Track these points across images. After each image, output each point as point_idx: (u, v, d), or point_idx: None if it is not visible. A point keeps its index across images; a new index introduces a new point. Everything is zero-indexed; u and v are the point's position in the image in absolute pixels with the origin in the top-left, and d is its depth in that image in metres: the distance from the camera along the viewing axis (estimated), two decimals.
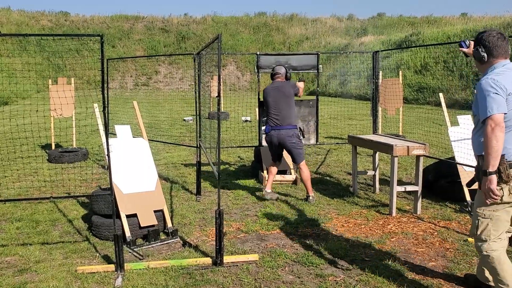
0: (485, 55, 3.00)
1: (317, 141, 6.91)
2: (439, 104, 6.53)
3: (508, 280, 3.00)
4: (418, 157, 5.21)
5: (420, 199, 5.27)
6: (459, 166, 5.40)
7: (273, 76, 6.09)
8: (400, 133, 10.17)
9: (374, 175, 6.22)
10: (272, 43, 38.92)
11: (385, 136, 6.22)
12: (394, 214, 5.19)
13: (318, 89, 7.59)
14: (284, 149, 5.98)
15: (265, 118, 6.13)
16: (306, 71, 6.88)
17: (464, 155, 5.39)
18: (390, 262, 3.90)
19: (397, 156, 5.12)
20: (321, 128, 12.37)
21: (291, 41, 39.50)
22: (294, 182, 6.69)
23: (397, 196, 5.48)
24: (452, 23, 35.09)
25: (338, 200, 5.85)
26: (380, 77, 10.44)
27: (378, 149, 5.65)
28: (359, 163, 7.85)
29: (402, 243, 4.38)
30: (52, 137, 8.94)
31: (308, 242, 4.40)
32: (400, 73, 10.38)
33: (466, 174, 5.32)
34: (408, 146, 5.12)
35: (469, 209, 5.17)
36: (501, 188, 2.90)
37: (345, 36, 40.41)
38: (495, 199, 2.86)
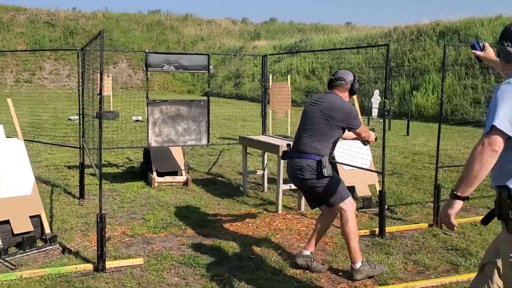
0: None
1: (208, 142, 6.93)
2: None
3: None
4: None
5: (302, 196, 5.52)
6: (338, 165, 5.76)
7: (331, 82, 3.88)
8: (289, 134, 10.58)
9: (263, 175, 6.40)
10: (166, 42, 38.33)
11: (274, 137, 6.42)
12: (280, 211, 5.38)
13: (209, 89, 7.62)
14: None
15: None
16: (197, 71, 6.87)
17: (342, 155, 5.76)
18: (274, 258, 4.03)
19: None
20: (215, 129, 12.49)
21: (186, 41, 39.23)
22: (185, 183, 6.64)
23: (283, 194, 5.69)
24: (338, 31, 37.46)
25: (228, 200, 5.92)
26: (270, 80, 10.77)
27: (266, 149, 5.82)
28: (251, 163, 8.03)
29: (286, 239, 4.56)
30: None
31: (196, 243, 4.39)
32: (289, 77, 10.80)
33: (344, 173, 5.68)
34: None
35: None
36: None
37: (239, 39, 41.17)
38: (453, 229, 2.25)
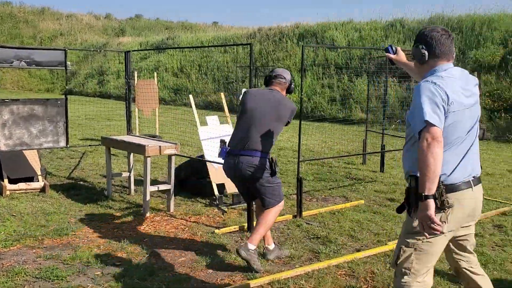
0: (426, 53, 2.45)
1: (67, 144, 6.43)
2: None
3: None
4: (170, 156, 5.35)
5: (173, 197, 5.43)
6: (208, 164, 5.76)
7: (270, 79, 4.00)
8: (157, 134, 10.35)
9: (129, 177, 6.14)
10: (20, 36, 34.99)
11: (140, 136, 6.20)
12: (148, 214, 5.21)
13: (67, 87, 7.10)
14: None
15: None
16: (53, 67, 6.35)
17: (213, 153, 5.78)
18: (142, 263, 3.89)
19: (149, 156, 5.15)
20: (76, 129, 11.67)
21: (43, 36, 36.26)
22: (42, 189, 6.08)
23: (151, 196, 5.53)
24: (205, 30, 37.72)
25: (91, 205, 5.57)
26: (136, 77, 10.42)
27: (131, 150, 5.59)
28: (116, 165, 7.66)
29: (154, 242, 4.42)
30: None
31: (54, 254, 4.04)
32: (155, 74, 10.55)
33: (215, 171, 5.71)
34: (160, 146, 5.20)
35: (217, 202, 5.56)
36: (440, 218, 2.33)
37: (103, 35, 39.21)
38: (437, 229, 2.26)
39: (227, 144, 3.95)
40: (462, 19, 16.06)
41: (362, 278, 3.68)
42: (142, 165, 7.78)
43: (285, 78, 3.99)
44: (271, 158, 3.81)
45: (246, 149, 3.77)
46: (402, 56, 3.00)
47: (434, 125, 2.22)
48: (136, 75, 10.52)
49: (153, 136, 9.81)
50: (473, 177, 2.45)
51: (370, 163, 8.46)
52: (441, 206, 2.29)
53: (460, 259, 2.63)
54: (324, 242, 4.46)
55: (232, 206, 5.58)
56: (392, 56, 2.99)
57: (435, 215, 2.24)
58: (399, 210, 2.53)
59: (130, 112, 6.60)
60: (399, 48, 3.01)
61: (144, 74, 24.74)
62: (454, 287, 3.53)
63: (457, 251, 2.62)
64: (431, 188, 2.23)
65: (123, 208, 5.51)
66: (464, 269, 2.64)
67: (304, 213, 5.27)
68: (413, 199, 2.35)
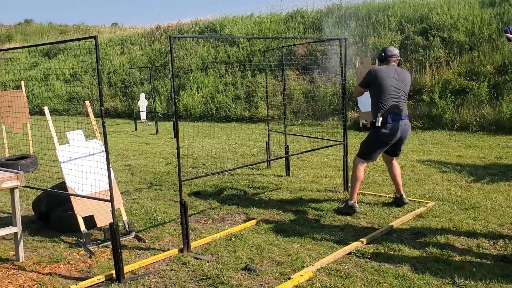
0: None
1: None
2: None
3: None
4: (12, 190, 4.11)
5: (22, 241, 4.18)
6: (71, 192, 4.57)
7: (387, 57, 5.00)
8: (31, 153, 8.83)
9: None
10: None
11: None
12: None
13: None
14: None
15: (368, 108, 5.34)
16: None
17: (74, 179, 4.59)
18: None
19: None
20: None
21: None
22: None
23: (1, 241, 4.25)
24: (103, 32, 35.41)
25: None
26: None
27: None
28: None
29: None
30: None
31: None
32: (22, 83, 8.99)
33: (79, 201, 4.53)
34: None
35: (84, 241, 4.40)
36: None
37: None
38: None
39: (385, 112, 4.83)
40: (358, 7, 15.95)
41: None
42: (1, 197, 6.39)
43: (397, 55, 5.03)
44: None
45: (403, 114, 4.89)
46: None
47: None
48: None
49: (24, 157, 8.33)
50: None
51: (276, 165, 7.68)
52: None
53: None
54: (215, 284, 3.50)
55: (104, 244, 4.44)
56: (510, 35, 3.53)
57: None
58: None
59: None
60: None
61: (33, 84, 22.38)
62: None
63: None
64: None
65: None
66: None
67: (194, 244, 4.28)
68: None
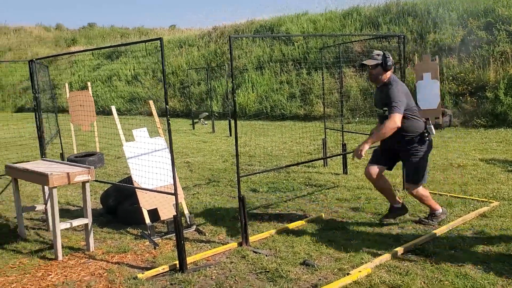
0: None
1: None
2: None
3: None
4: (83, 183, 4.39)
5: (92, 232, 4.46)
6: (136, 187, 4.82)
7: (391, 65, 4.46)
8: (97, 150, 9.30)
9: (46, 209, 5.13)
10: None
11: (52, 161, 5.17)
12: (60, 257, 4.23)
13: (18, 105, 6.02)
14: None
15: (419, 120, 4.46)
16: None
17: (141, 174, 4.84)
18: None
19: (55, 187, 4.18)
20: (13, 151, 10.45)
21: None
22: None
23: (72, 231, 4.56)
24: (162, 34, 36.47)
25: None
26: (67, 89, 9.35)
27: (34, 181, 4.59)
28: (34, 194, 6.61)
29: None
30: None
31: None
32: (89, 84, 9.49)
33: (144, 195, 4.77)
34: (68, 173, 4.23)
35: (148, 233, 4.63)
36: None
37: (55, 46, 37.57)
38: None
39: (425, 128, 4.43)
40: (416, 3, 15.51)
41: None
42: (71, 191, 6.80)
43: None
44: None
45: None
46: None
47: None
48: (67, 86, 9.44)
49: (91, 154, 8.80)
50: None
51: (333, 164, 7.67)
52: None
53: None
54: (274, 277, 3.59)
55: (167, 236, 4.65)
56: None
57: None
58: None
59: (42, 132, 5.59)
60: None
61: (97, 85, 23.45)
62: None
63: None
64: None
65: (35, 250, 4.51)
66: None
67: (252, 238, 4.39)
68: None
